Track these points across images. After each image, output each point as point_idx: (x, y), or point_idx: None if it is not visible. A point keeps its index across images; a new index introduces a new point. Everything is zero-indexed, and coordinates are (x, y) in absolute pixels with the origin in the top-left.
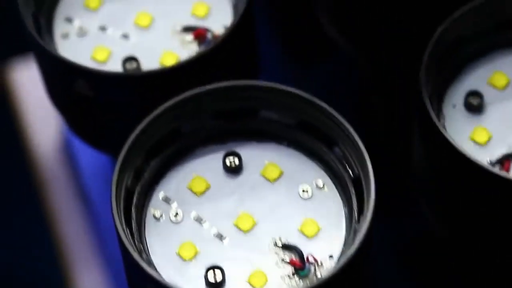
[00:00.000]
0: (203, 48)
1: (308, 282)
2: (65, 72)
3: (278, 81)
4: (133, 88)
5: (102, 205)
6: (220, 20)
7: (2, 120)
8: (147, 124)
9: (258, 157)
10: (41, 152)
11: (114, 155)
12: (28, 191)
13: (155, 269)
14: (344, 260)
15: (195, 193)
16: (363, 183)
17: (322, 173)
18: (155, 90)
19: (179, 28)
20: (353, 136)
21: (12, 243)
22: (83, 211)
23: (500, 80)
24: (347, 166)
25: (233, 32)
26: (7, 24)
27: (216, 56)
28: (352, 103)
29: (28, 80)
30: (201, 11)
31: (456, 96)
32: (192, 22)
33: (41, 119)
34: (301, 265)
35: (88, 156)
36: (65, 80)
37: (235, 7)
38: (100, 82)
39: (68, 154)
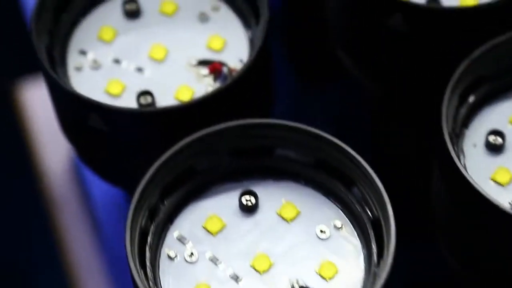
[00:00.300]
0: (218, 82)
1: None
2: (79, 106)
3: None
4: (148, 124)
5: (113, 231)
6: (236, 53)
7: (12, 141)
8: (163, 162)
9: (274, 195)
10: (51, 174)
11: (127, 189)
12: (38, 214)
13: None
14: None
15: (210, 233)
16: (383, 226)
17: (340, 213)
18: (170, 126)
19: (194, 61)
20: (372, 178)
21: (22, 267)
22: (93, 236)
23: None
24: (366, 207)
25: (250, 68)
26: (18, 42)
27: (233, 92)
28: (367, 135)
29: (39, 100)
30: (216, 44)
31: (477, 135)
32: (208, 55)
33: (52, 140)
34: None
35: (99, 181)
36: (78, 114)
37: (251, 40)
38: (115, 117)
39: (78, 177)
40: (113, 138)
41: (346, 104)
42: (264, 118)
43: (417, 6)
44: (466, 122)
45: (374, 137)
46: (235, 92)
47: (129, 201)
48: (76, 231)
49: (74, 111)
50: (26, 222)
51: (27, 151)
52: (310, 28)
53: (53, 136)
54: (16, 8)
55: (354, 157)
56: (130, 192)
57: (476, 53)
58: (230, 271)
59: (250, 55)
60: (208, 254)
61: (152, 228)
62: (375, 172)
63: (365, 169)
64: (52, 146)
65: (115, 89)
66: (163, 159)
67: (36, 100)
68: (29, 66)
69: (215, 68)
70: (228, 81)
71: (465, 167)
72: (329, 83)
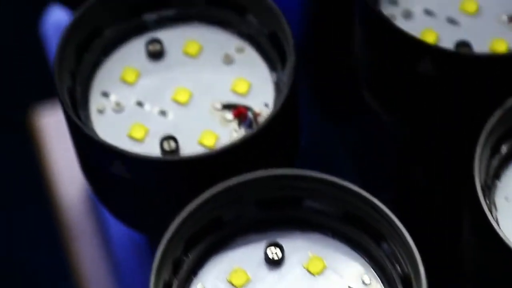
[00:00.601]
0: (243, 127)
1: None
2: (102, 153)
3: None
4: (173, 172)
5: (131, 269)
6: (261, 97)
7: (28, 168)
8: (188, 214)
9: (301, 248)
10: (67, 204)
11: (147, 235)
12: (53, 244)
13: None
14: None
15: (235, 286)
16: (414, 283)
17: (368, 268)
18: (195, 174)
19: (218, 105)
20: (402, 233)
21: None
22: (109, 270)
23: None
24: (396, 263)
25: (276, 116)
26: (34, 67)
27: (259, 140)
28: (393, 180)
29: (55, 126)
30: (241, 87)
31: (509, 187)
32: (232, 98)
33: (69, 168)
34: None
35: None
36: (100, 160)
37: (276, 83)
38: (138, 165)
39: (95, 209)
40: (136, 185)
41: (371, 144)
42: (291, 168)
43: (446, 51)
44: (498, 173)
45: (400, 182)
46: (261, 140)
47: (146, 239)
48: (92, 264)
49: (96, 157)
50: (42, 253)
51: (43, 179)
52: (336, 66)
53: (70, 165)
54: (33, 33)
55: (382, 210)
56: (150, 236)
57: (509, 102)
58: None
59: (276, 100)
60: None
61: (175, 281)
62: (403, 224)
63: (394, 223)
64: (68, 175)
65: (138, 133)
66: (188, 210)
67: (52, 127)
68: (46, 92)
69: (240, 112)
70: (254, 129)
71: (497, 221)
72: (354, 122)
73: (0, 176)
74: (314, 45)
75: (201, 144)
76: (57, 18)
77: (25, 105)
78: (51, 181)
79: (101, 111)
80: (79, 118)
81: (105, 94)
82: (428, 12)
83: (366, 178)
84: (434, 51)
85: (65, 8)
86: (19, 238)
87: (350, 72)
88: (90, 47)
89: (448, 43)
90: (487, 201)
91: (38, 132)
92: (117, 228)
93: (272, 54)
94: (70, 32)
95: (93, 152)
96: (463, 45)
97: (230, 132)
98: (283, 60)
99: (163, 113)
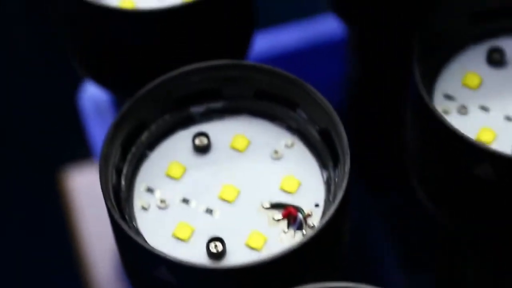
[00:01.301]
0: (292, 229)
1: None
2: (146, 257)
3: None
4: (221, 280)
5: None
6: (311, 196)
7: (58, 229)
8: None
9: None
10: (97, 266)
11: None
12: None
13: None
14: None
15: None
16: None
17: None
18: (244, 283)
19: (267, 204)
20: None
21: None
22: None
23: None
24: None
25: (330, 223)
26: (66, 127)
27: (311, 248)
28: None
29: (86, 187)
30: (290, 186)
31: None
32: (281, 197)
33: (99, 230)
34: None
35: None
36: (145, 263)
37: (327, 182)
38: (184, 272)
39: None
40: None
41: (413, 228)
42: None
43: (507, 157)
44: None
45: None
46: (313, 248)
47: None
48: None
49: (140, 259)
50: None
51: (73, 240)
52: (383, 147)
53: (102, 227)
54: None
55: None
56: None
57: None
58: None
59: (327, 200)
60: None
61: None
62: None
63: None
64: (98, 237)
65: (183, 233)
66: None
67: (83, 187)
68: (77, 152)
69: (289, 213)
70: (307, 238)
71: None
72: (403, 213)
73: (30, 241)
74: (362, 126)
75: (248, 246)
76: (94, 91)
77: (57, 164)
78: (81, 244)
79: (145, 208)
80: (123, 217)
81: (150, 190)
82: (485, 109)
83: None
84: (493, 156)
85: (99, 86)
86: None
87: (399, 155)
88: (136, 141)
89: (506, 143)
90: None
91: (69, 192)
92: None
93: (323, 151)
94: (117, 127)
95: (136, 255)
96: None
97: (278, 234)
98: (335, 158)
99: (209, 211)
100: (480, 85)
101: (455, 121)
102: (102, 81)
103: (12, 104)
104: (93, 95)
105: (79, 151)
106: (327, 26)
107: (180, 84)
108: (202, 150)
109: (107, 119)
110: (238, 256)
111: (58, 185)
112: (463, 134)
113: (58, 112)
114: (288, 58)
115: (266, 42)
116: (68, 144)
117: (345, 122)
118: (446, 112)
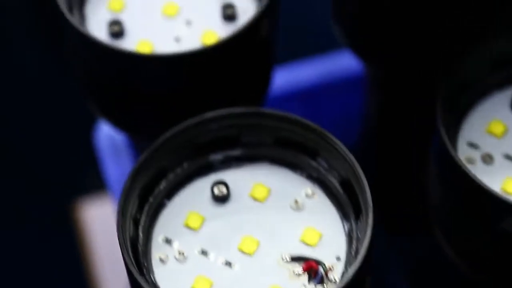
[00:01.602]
0: (313, 283)
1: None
2: None
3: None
4: None
5: None
6: (332, 249)
7: (71, 263)
8: None
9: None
10: None
11: None
12: None
13: None
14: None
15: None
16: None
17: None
18: None
19: (287, 257)
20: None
21: None
22: None
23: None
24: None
25: (354, 279)
26: (83, 160)
27: None
28: None
29: (100, 220)
30: (311, 238)
31: None
32: (302, 249)
33: (112, 264)
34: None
35: None
36: None
37: (349, 234)
38: None
39: None
40: None
41: (433, 275)
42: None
43: None
44: None
45: None
46: None
47: None
48: None
49: None
50: None
51: (86, 273)
52: (404, 192)
53: (113, 261)
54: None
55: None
56: None
57: None
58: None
59: (348, 253)
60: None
61: None
62: None
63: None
64: (111, 271)
65: None
66: None
67: (97, 220)
68: (90, 184)
69: (310, 267)
70: None
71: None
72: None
73: (43, 273)
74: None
75: None
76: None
77: (69, 198)
78: (94, 276)
79: (163, 261)
80: (141, 270)
81: (168, 241)
82: (509, 158)
83: None
84: None
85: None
86: None
87: (421, 205)
88: (154, 191)
89: None
90: None
91: (82, 225)
92: None
93: (344, 201)
94: (135, 178)
95: None
96: None
97: None
98: (357, 210)
99: (228, 264)
100: (504, 132)
101: (480, 171)
102: (117, 124)
103: (30, 136)
104: (109, 132)
105: (94, 183)
106: (344, 62)
107: (199, 131)
108: (221, 199)
109: (123, 157)
110: None
111: (72, 218)
112: (488, 187)
113: (74, 145)
114: (305, 94)
115: (283, 78)
116: (83, 176)
117: (362, 164)
118: (470, 160)
